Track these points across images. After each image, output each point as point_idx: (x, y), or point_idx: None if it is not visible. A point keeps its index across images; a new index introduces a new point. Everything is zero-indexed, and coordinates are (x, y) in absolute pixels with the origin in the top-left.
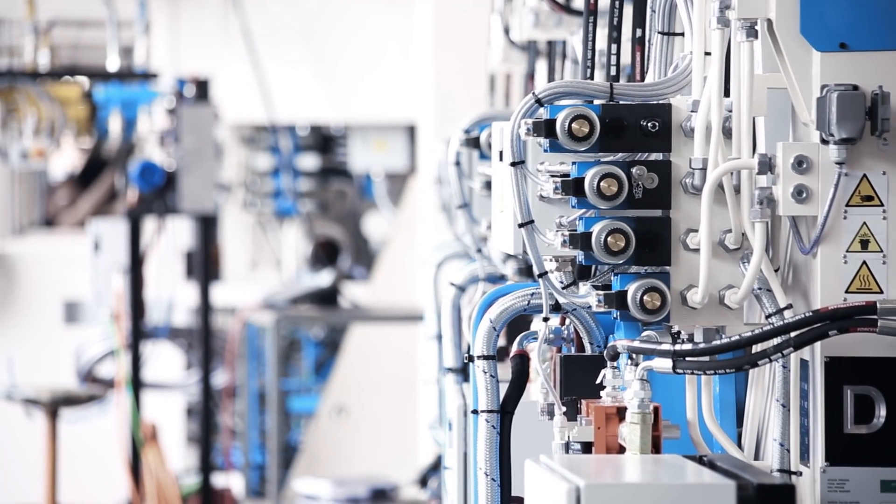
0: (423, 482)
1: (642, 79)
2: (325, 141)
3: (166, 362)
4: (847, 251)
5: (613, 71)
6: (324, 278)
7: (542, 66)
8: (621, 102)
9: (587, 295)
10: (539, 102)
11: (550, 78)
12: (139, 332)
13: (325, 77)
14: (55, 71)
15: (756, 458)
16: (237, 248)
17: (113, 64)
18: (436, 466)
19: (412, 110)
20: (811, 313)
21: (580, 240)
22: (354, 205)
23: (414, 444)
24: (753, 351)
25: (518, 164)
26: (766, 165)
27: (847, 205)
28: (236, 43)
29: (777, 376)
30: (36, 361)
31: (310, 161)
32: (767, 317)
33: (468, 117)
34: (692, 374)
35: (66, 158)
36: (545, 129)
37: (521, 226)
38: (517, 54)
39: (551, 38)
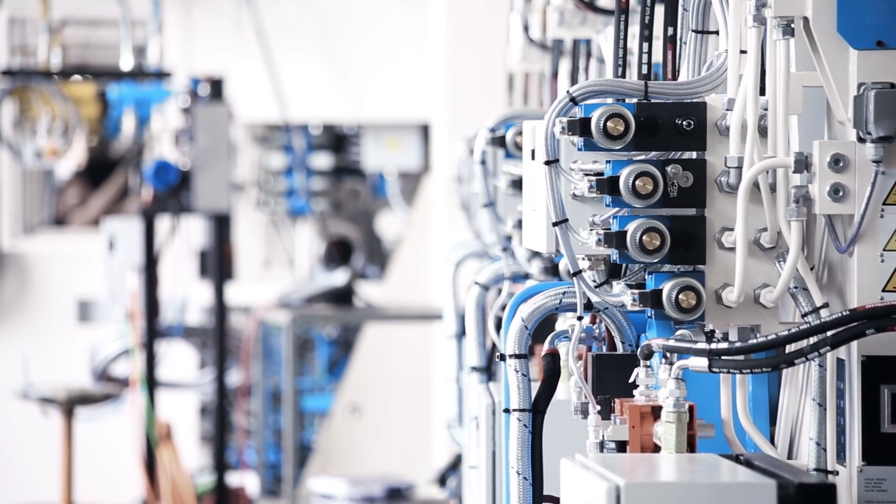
0: (442, 481)
1: (674, 77)
2: (338, 140)
3: (181, 361)
4: (884, 250)
5: (645, 70)
6: (338, 277)
7: (563, 66)
8: (655, 101)
9: (621, 294)
10: (574, 101)
11: (574, 77)
12: (154, 331)
13: (339, 76)
14: (69, 70)
15: (789, 457)
16: (250, 248)
17: (126, 63)
18: (454, 465)
19: (426, 109)
20: (848, 312)
21: (615, 238)
22: (368, 204)
23: (428, 443)
24: (789, 350)
25: (552, 162)
26: (803, 164)
27: (884, 203)
28: (249, 42)
29: (813, 375)
30: (49, 360)
31: (323, 160)
32: (804, 316)
33: (494, 116)
34: (728, 373)
35: (72, 157)
36: (580, 127)
37: (555, 224)
38: (536, 53)
39: (576, 37)
